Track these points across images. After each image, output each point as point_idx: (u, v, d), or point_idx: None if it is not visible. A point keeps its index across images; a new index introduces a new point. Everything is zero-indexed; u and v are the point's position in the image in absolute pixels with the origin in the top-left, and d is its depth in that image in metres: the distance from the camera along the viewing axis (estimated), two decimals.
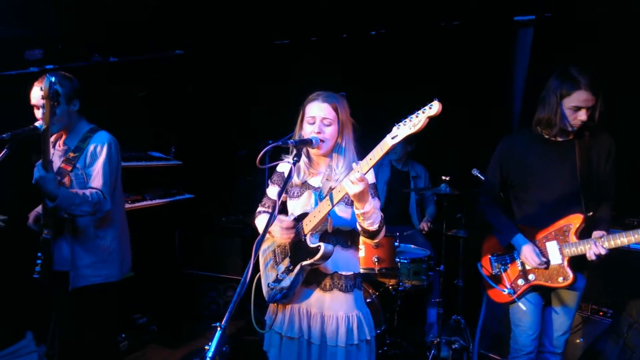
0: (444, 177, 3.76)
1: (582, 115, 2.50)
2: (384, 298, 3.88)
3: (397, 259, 3.78)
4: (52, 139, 2.89)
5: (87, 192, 2.62)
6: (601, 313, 3.34)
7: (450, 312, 3.90)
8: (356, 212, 2.08)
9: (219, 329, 1.53)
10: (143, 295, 4.16)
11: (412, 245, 4.22)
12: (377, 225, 2.12)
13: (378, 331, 3.69)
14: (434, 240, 4.40)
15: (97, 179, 2.69)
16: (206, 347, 1.49)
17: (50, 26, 3.87)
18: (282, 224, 2.23)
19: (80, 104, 2.76)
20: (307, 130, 2.24)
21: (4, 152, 2.46)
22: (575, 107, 2.50)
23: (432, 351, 3.70)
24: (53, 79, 2.36)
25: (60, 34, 3.92)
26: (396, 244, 3.77)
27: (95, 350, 2.87)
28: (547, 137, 2.66)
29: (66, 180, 2.71)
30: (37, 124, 2.61)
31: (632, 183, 3.58)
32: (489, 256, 2.89)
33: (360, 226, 2.15)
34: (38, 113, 2.66)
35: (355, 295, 2.31)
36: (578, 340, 3.37)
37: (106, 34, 4.16)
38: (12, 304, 3.52)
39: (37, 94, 2.63)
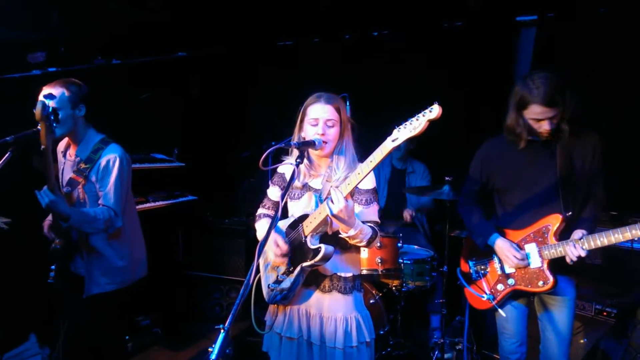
0: (446, 178, 3.75)
1: (546, 126, 2.42)
2: (388, 299, 3.88)
3: (401, 260, 3.77)
4: (61, 147, 2.91)
5: (99, 210, 2.65)
6: (605, 313, 3.32)
7: (454, 314, 3.89)
8: (342, 234, 2.11)
9: (222, 331, 1.53)
10: (147, 298, 4.15)
11: (416, 246, 4.21)
12: (365, 242, 2.15)
13: (381, 332, 3.69)
14: (437, 241, 4.39)
15: (109, 196, 2.70)
16: (209, 350, 1.49)
17: (53, 29, 3.88)
18: (278, 248, 2.24)
19: (87, 111, 2.76)
20: (310, 132, 2.24)
21: (7, 155, 2.45)
22: (535, 119, 2.43)
23: (436, 352, 3.69)
24: (46, 101, 2.36)
25: (63, 37, 3.93)
26: (399, 244, 3.76)
27: (103, 352, 2.89)
28: (530, 138, 2.55)
29: (80, 194, 2.73)
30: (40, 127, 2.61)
31: (633, 181, 3.58)
32: (468, 261, 2.82)
33: (348, 240, 2.17)
34: None
35: (354, 297, 2.32)
36: (582, 341, 3.36)
37: (109, 37, 4.17)
38: (15, 306, 3.53)
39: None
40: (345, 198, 1.96)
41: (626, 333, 3.19)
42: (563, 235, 2.47)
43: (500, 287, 2.64)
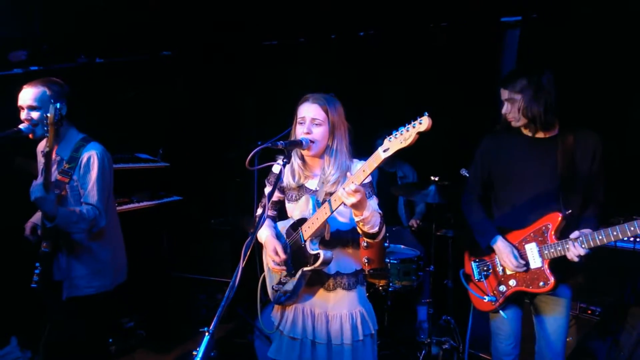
0: (432, 178, 3.77)
1: (503, 109, 2.57)
2: (374, 299, 3.86)
3: (387, 260, 3.78)
4: (41, 147, 2.86)
5: (84, 209, 2.61)
6: (589, 311, 3.36)
7: (440, 313, 3.91)
8: (355, 219, 2.09)
9: (206, 334, 1.51)
10: (131, 299, 4.11)
11: (402, 246, 4.22)
12: (377, 227, 2.13)
13: None
14: (423, 240, 4.41)
15: (92, 194, 2.66)
16: (194, 353, 1.47)
17: (35, 27, 3.82)
18: (277, 256, 2.26)
19: (69, 110, 2.71)
20: (298, 131, 2.24)
21: None
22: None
23: (423, 351, 3.70)
24: (58, 105, 2.45)
25: (46, 35, 3.86)
26: (386, 244, 3.77)
27: (85, 355, 2.85)
28: (529, 134, 2.59)
29: (63, 191, 2.69)
30: (21, 126, 2.58)
31: (621, 181, 3.62)
32: (471, 262, 2.79)
33: (360, 230, 2.15)
34: (23, 114, 2.62)
35: (358, 291, 2.36)
36: (568, 339, 3.39)
37: (92, 35, 4.11)
38: None
39: (25, 94, 2.61)
40: (355, 191, 1.94)
41: (611, 331, 3.22)
42: (564, 234, 2.42)
43: (502, 288, 2.60)
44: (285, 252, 2.28)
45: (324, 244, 2.23)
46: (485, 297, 2.63)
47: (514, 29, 4.14)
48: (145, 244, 4.58)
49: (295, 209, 2.36)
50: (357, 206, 1.99)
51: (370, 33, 4.52)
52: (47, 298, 2.77)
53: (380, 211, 2.23)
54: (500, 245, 2.56)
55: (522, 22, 4.07)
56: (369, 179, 2.26)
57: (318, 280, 2.32)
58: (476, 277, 2.74)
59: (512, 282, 2.56)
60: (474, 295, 2.72)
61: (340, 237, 2.28)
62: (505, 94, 2.53)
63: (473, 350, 3.72)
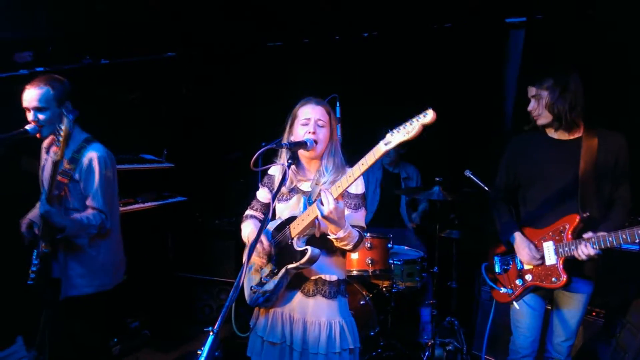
0: (437, 179, 3.76)
1: (529, 105, 2.65)
2: (378, 300, 3.88)
3: (391, 261, 3.78)
4: (45, 144, 2.88)
5: (90, 214, 2.64)
6: (594, 313, 3.36)
7: (444, 314, 3.90)
8: (330, 236, 2.09)
9: (211, 333, 1.51)
10: (136, 299, 4.13)
11: (406, 247, 4.22)
12: (352, 245, 2.14)
13: (372, 333, 3.69)
14: (427, 241, 4.40)
15: (96, 199, 2.68)
16: (198, 352, 1.47)
17: (40, 28, 3.84)
18: (261, 246, 2.23)
19: (73, 107, 2.73)
20: (301, 133, 2.24)
21: None
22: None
23: (426, 353, 3.69)
24: (72, 117, 2.41)
25: (51, 36, 3.89)
26: (389, 245, 3.76)
27: (87, 355, 2.85)
28: (554, 136, 2.66)
29: (62, 193, 2.69)
30: (27, 127, 2.60)
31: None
32: (494, 256, 2.91)
33: (333, 241, 2.15)
34: (29, 116, 2.63)
35: (339, 302, 2.29)
36: None
37: (97, 36, 4.13)
38: (1, 309, 3.48)
39: (29, 96, 2.61)
40: (336, 199, 1.96)
41: (614, 333, 3.21)
42: (581, 235, 2.49)
43: (519, 282, 2.73)
44: (269, 242, 2.25)
45: (312, 244, 2.18)
46: (502, 288, 2.79)
47: (518, 30, 4.14)
48: (149, 244, 4.60)
49: (285, 209, 2.34)
50: (332, 221, 1.99)
51: (374, 34, 4.52)
52: (45, 296, 2.76)
53: (364, 224, 2.26)
54: (518, 240, 2.70)
55: (526, 23, 4.07)
56: (362, 191, 2.29)
57: (298, 283, 2.28)
58: (497, 270, 2.88)
59: (528, 277, 2.69)
60: (492, 287, 2.88)
61: (327, 240, 2.21)
62: (532, 90, 2.63)
63: (475, 351, 3.72)
